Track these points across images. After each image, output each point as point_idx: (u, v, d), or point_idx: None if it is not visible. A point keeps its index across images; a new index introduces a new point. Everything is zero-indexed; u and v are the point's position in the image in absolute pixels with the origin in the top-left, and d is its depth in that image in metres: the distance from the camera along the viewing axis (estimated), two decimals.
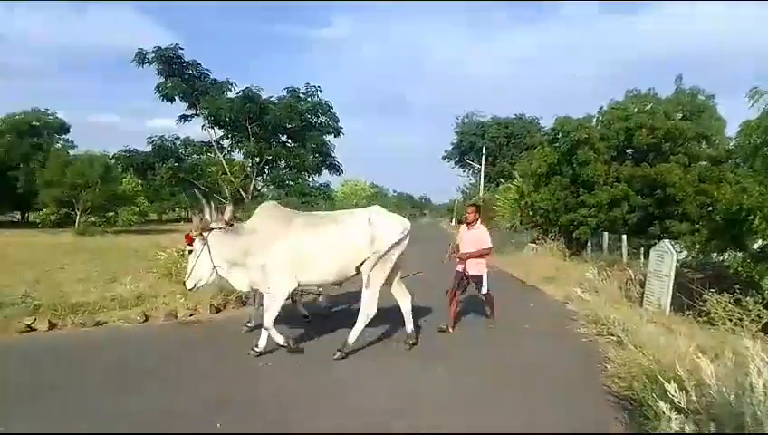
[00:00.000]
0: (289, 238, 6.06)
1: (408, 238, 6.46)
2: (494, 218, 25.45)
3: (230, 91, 16.59)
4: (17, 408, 4.46)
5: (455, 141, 50.75)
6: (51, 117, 37.45)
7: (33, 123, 36.04)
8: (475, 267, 7.77)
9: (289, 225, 6.17)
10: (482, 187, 42.74)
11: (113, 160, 19.22)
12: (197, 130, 17.50)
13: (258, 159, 17.47)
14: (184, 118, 16.86)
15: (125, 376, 5.36)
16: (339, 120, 17.91)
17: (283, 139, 18.13)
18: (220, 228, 6.10)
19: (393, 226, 6.41)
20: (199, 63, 16.13)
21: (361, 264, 6.17)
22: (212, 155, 18.18)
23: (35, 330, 6.86)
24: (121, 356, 6.03)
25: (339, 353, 6.06)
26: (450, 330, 7.58)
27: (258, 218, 6.31)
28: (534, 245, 18.54)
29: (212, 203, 6.37)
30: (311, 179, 18.42)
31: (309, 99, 17.44)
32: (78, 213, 31.07)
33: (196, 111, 16.51)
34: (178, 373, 5.49)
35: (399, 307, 6.80)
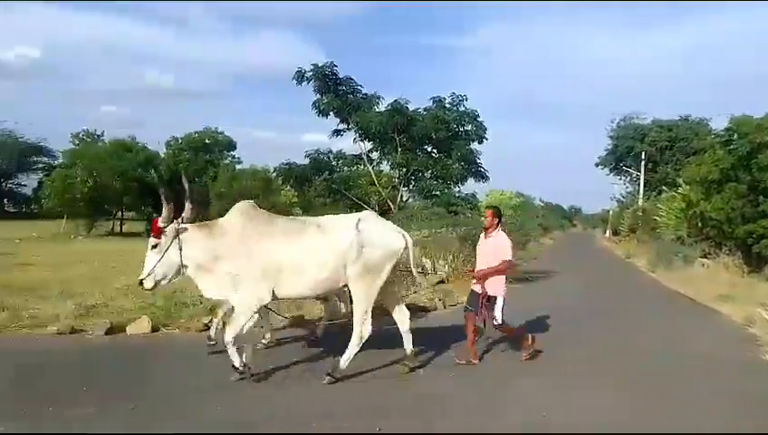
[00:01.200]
0: (265, 244, 5.38)
1: (404, 250, 5.72)
2: (656, 229, 23.49)
3: (379, 104, 17.16)
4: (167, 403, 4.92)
5: (609, 146, 47.67)
6: (220, 135, 41.49)
7: (206, 141, 40.17)
8: (492, 285, 6.23)
9: (265, 229, 5.50)
10: (641, 195, 39.73)
11: (274, 174, 20.75)
12: (349, 143, 18.36)
13: (405, 170, 17.84)
14: (337, 132, 17.75)
15: (281, 374, 5.67)
16: (486, 129, 17.74)
17: (429, 149, 18.35)
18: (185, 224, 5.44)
19: (385, 234, 5.70)
20: (352, 79, 16.91)
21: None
22: (362, 167, 18.92)
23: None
24: (282, 354, 6.40)
25: (329, 378, 5.39)
26: (474, 361, 6.25)
27: (231, 220, 5.58)
28: (705, 259, 16.76)
29: (166, 197, 5.45)
30: (457, 189, 18.42)
31: (455, 108, 17.49)
32: None
33: (348, 125, 17.29)
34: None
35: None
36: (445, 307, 10.31)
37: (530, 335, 6.53)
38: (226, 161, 40.27)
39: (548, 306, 9.78)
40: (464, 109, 17.38)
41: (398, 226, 6.34)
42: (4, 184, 53.04)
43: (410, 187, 18.73)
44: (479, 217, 16.58)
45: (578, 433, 4.38)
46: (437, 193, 17.93)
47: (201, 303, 7.94)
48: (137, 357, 6.27)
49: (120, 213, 36.77)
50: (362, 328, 5.52)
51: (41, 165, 51.26)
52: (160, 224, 5.36)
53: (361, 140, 17.68)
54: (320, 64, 16.41)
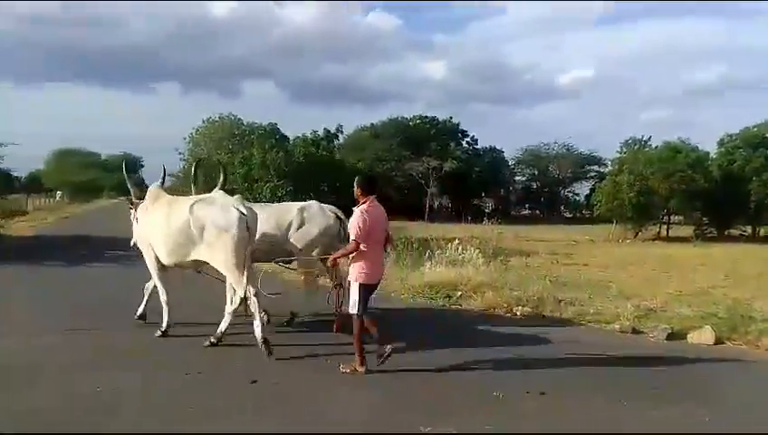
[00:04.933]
0: (144, 219, 6.57)
1: (239, 230, 5.77)
2: None
3: None
4: None
5: None
6: None
7: (766, 135, 35.16)
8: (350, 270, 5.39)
9: (151, 207, 6.56)
10: None
11: None
12: None
13: None
14: None
15: None
16: None
17: None
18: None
19: (216, 214, 5.94)
20: None
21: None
22: None
23: None
24: None
25: (209, 342, 6.00)
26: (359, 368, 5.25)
27: (143, 201, 6.79)
28: None
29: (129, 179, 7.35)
30: None
31: None
32: None
33: None
34: None
35: None
36: None
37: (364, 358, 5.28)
38: None
39: None
40: None
41: None
42: (561, 192, 60.41)
43: None
44: None
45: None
46: None
47: None
48: (701, 367, 5.96)
49: (666, 217, 36.26)
50: (239, 291, 5.84)
51: (592, 173, 55.97)
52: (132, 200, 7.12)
53: None
54: None
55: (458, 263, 10.70)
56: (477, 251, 11.23)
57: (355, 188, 5.53)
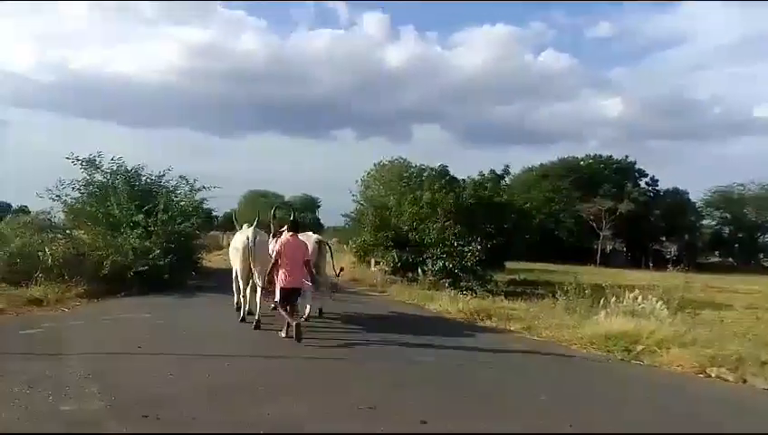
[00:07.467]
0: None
1: (243, 249, 9.16)
2: None
3: None
4: None
5: None
6: None
7: None
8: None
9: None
10: None
11: None
12: None
13: None
14: None
15: None
16: None
17: None
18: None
19: (236, 239, 9.73)
20: None
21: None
22: None
23: None
24: None
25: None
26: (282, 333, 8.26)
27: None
28: None
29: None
30: None
31: None
32: None
33: None
34: None
35: None
36: None
37: (288, 323, 8.15)
38: None
39: None
40: None
41: None
42: (760, 238, 52.95)
43: None
44: None
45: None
46: None
47: None
48: None
49: None
50: (242, 289, 9.62)
51: None
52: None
53: None
54: None
55: (638, 313, 9.86)
56: (660, 301, 10.27)
57: (285, 228, 8.82)
